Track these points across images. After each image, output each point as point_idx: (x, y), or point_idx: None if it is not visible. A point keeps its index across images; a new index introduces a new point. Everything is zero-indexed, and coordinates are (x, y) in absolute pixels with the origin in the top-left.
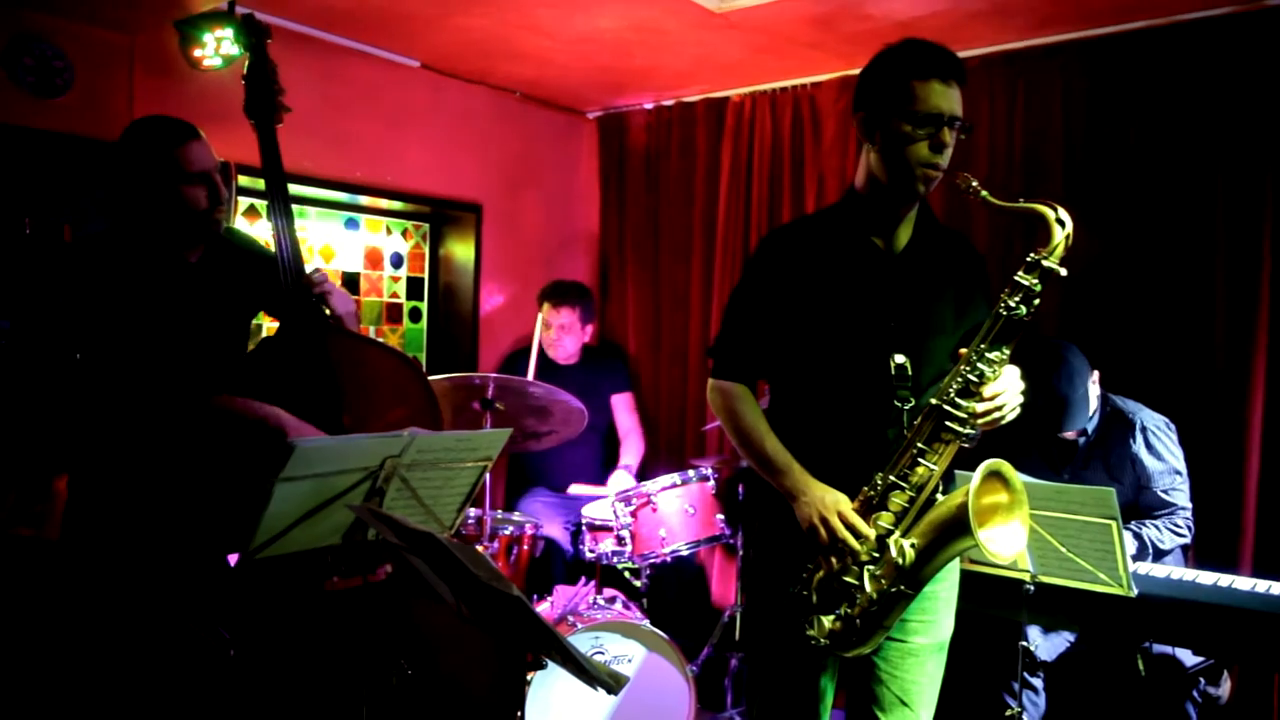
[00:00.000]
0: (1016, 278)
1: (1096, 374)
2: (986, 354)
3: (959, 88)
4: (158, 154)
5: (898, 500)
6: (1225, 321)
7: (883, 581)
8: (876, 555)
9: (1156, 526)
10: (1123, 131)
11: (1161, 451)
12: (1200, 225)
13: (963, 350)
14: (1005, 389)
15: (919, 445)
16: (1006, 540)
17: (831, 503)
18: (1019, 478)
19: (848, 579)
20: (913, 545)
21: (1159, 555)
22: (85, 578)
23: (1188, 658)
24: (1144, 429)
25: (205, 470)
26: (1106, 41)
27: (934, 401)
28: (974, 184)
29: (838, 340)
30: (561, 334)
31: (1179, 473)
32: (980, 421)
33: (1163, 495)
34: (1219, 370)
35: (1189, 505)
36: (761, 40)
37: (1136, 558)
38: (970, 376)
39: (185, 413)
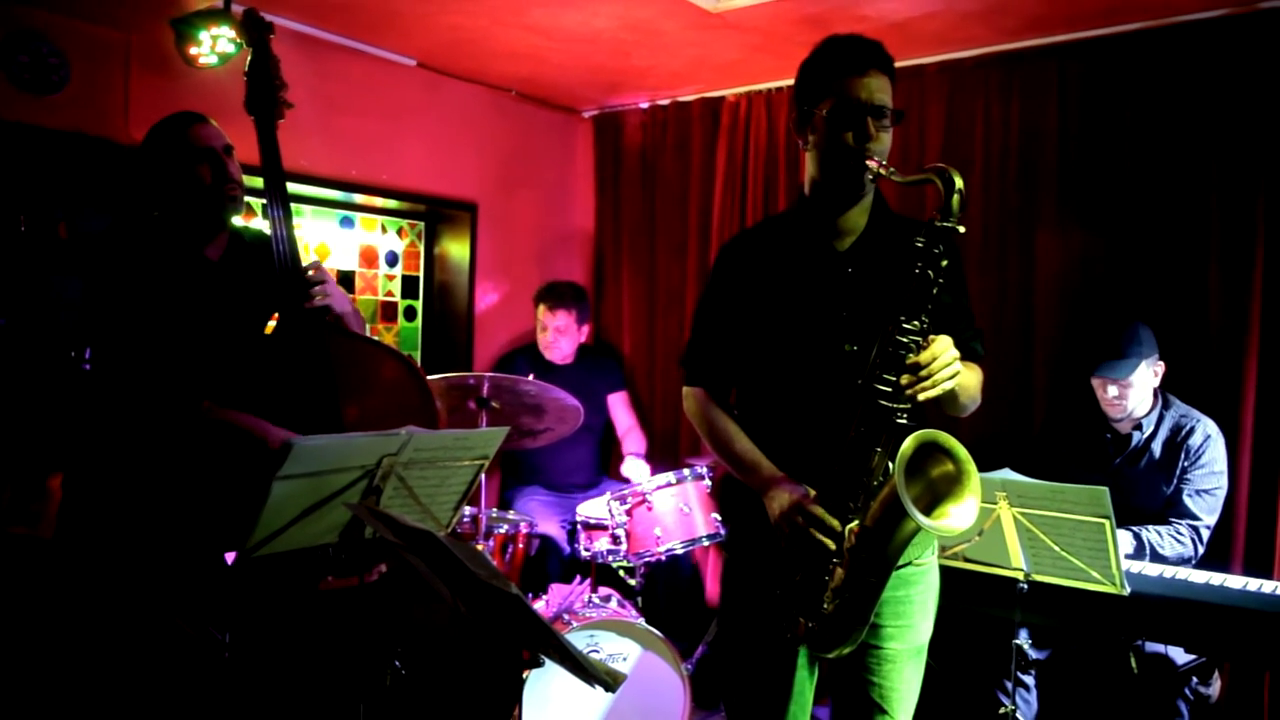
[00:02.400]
0: (916, 243)
1: (1161, 365)
2: (903, 324)
3: (884, 77)
4: (169, 136)
5: (856, 488)
6: (1219, 321)
7: (845, 570)
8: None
9: (1158, 532)
10: (1117, 132)
11: (1212, 454)
12: (1194, 226)
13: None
14: (935, 357)
15: (863, 428)
16: (959, 515)
17: (792, 498)
18: (962, 447)
19: (818, 574)
20: (864, 527)
21: (1157, 560)
22: (79, 576)
23: (1179, 656)
24: (1207, 433)
25: (198, 471)
26: (1101, 43)
27: (859, 381)
28: (883, 163)
29: (793, 337)
30: (558, 336)
31: (1216, 476)
32: (910, 391)
33: (1188, 498)
34: (1212, 369)
35: (1204, 519)
36: (757, 40)
37: (1133, 558)
38: (888, 349)
39: (180, 417)
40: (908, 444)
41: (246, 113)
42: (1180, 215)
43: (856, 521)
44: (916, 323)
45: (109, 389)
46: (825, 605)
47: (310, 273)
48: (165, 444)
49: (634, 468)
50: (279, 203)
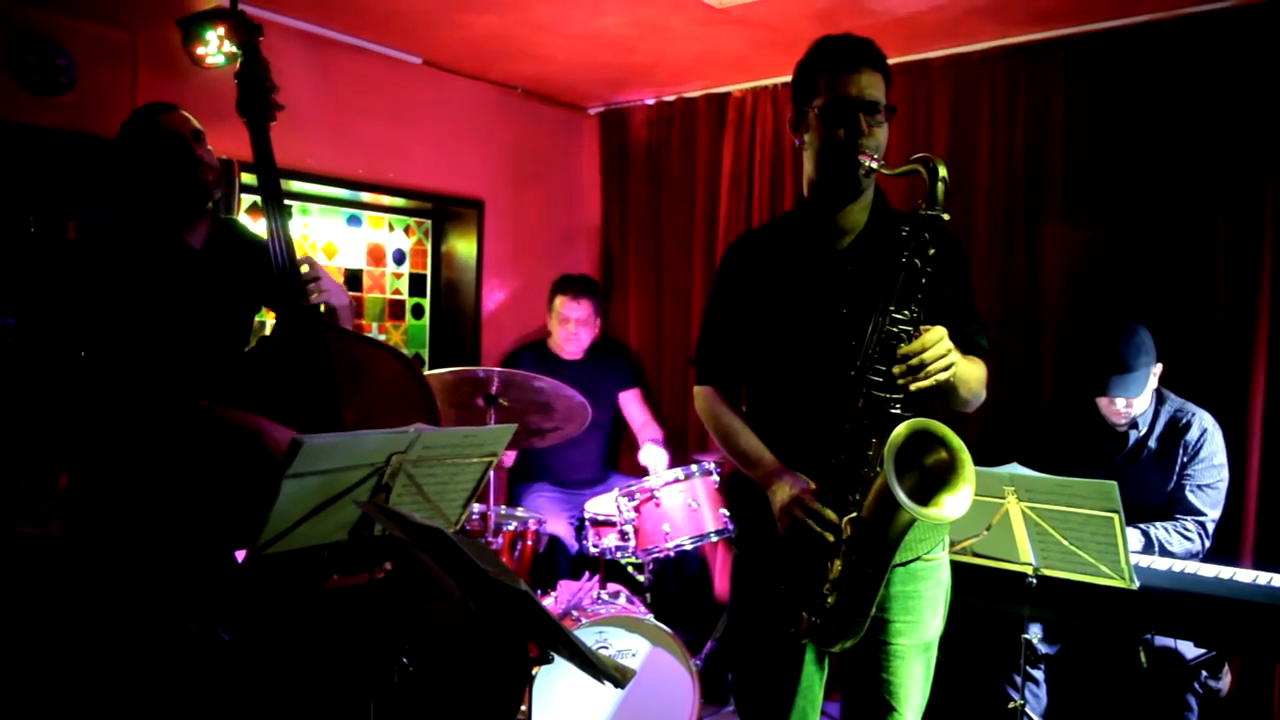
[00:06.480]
0: (901, 232)
1: (1160, 366)
2: (892, 314)
3: (875, 73)
4: (138, 126)
5: (855, 480)
6: (1226, 314)
7: (842, 562)
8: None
9: (1165, 529)
10: (1123, 125)
11: (1211, 448)
12: (1201, 218)
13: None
14: (925, 346)
15: (858, 421)
16: (952, 504)
17: (791, 493)
18: (955, 435)
19: (817, 568)
20: (860, 518)
21: (1166, 557)
22: (86, 575)
23: (1189, 650)
24: (1203, 427)
25: (199, 469)
26: (1107, 36)
27: (851, 373)
28: (875, 157)
29: (796, 336)
30: (579, 328)
31: (1216, 469)
32: (902, 382)
33: (1190, 493)
34: (1220, 362)
35: (1209, 514)
36: (763, 35)
37: (1142, 555)
38: (880, 340)
39: (177, 414)
40: (898, 432)
41: (239, 115)
42: (1187, 209)
43: (855, 513)
44: (906, 312)
45: (97, 384)
46: (826, 599)
47: (305, 269)
48: (155, 441)
49: (651, 454)
50: (274, 203)
